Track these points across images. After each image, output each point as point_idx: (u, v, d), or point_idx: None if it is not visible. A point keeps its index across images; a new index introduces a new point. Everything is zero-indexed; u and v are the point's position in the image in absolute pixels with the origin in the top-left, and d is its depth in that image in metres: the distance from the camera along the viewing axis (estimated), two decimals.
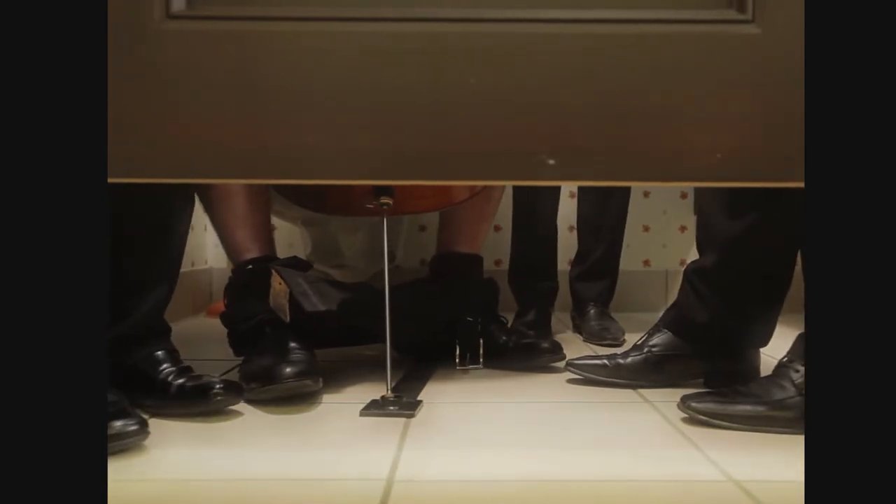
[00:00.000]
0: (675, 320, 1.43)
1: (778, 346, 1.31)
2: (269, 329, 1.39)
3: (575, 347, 1.81)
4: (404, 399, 1.28)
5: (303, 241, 2.29)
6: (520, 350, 1.62)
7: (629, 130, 0.51)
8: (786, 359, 1.19)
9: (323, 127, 0.51)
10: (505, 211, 2.00)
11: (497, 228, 2.40)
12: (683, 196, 2.66)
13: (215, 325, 1.62)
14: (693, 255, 1.48)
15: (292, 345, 1.33)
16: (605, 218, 2.10)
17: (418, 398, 1.31)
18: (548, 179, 0.51)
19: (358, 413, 1.23)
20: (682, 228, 2.67)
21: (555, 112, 0.51)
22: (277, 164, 0.51)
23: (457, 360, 1.60)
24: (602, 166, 0.52)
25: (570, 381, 1.48)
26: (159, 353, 1.23)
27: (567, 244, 2.28)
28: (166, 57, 0.50)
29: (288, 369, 1.26)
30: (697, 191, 1.50)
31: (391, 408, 1.23)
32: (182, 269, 1.36)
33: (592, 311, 2.03)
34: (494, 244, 2.35)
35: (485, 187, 1.62)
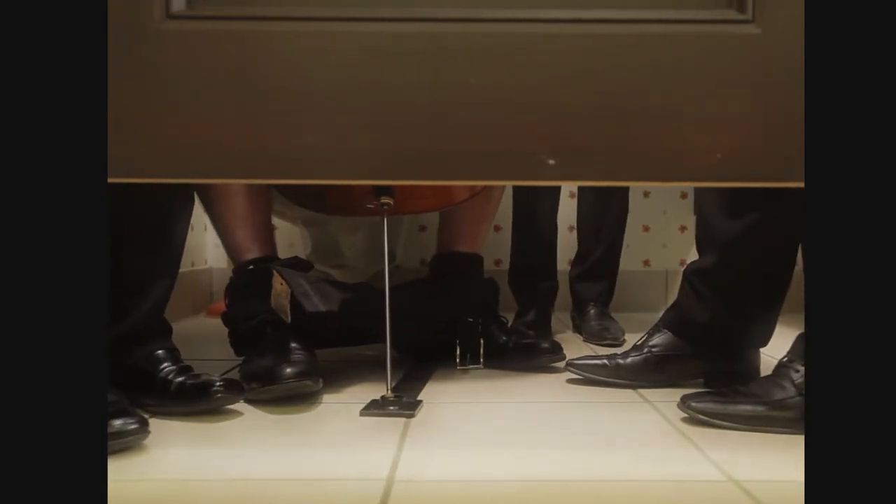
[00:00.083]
0: (675, 320, 1.43)
1: (778, 346, 1.31)
2: (270, 329, 1.40)
3: (575, 347, 1.81)
4: (404, 399, 1.28)
5: (303, 241, 2.29)
6: (520, 350, 1.62)
7: (629, 130, 0.51)
8: (786, 359, 1.19)
9: (323, 127, 0.51)
10: (505, 211, 2.00)
11: (497, 228, 2.40)
12: (683, 196, 2.66)
13: (215, 325, 1.62)
14: (693, 255, 1.48)
15: (293, 345, 1.34)
16: (605, 218, 2.10)
17: (418, 398, 1.31)
18: (548, 179, 0.51)
19: (358, 413, 1.23)
20: (682, 228, 2.67)
21: (555, 112, 0.51)
22: (277, 164, 0.51)
23: (457, 360, 1.60)
24: (602, 166, 0.52)
25: (570, 381, 1.48)
26: (160, 352, 1.23)
27: (567, 244, 2.28)
28: (166, 57, 0.50)
29: (288, 370, 1.26)
30: (697, 191, 1.50)
31: (391, 408, 1.23)
32: (182, 269, 1.36)
33: (592, 311, 2.03)
34: (494, 244, 2.35)
35: (485, 187, 1.62)
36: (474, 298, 1.65)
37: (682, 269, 1.48)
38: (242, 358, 1.42)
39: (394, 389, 1.33)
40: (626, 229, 2.16)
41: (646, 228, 2.68)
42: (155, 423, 1.10)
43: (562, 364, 1.55)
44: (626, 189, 2.13)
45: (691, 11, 0.50)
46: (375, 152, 0.51)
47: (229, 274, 1.54)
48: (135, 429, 1.01)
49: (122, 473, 0.94)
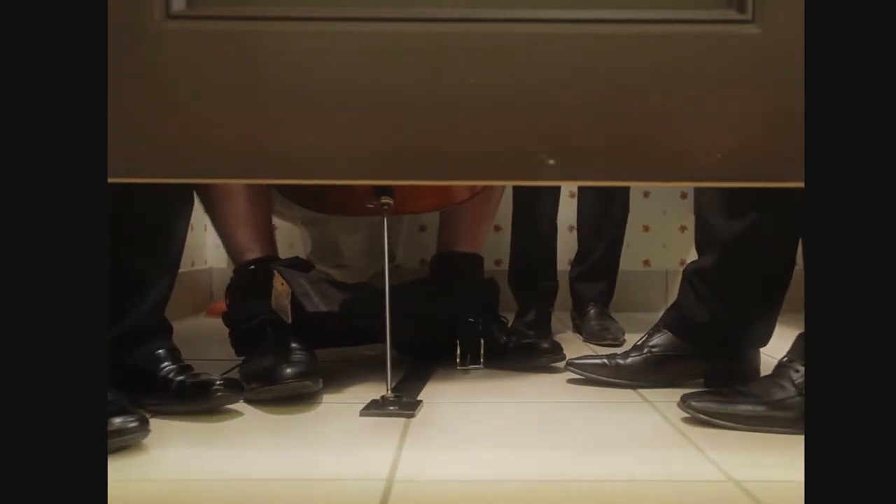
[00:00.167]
0: (675, 320, 1.43)
1: (778, 346, 1.31)
2: (270, 329, 1.40)
3: (575, 347, 1.81)
4: (404, 399, 1.28)
5: (303, 241, 2.29)
6: (520, 350, 1.62)
7: (629, 130, 0.51)
8: (786, 359, 1.19)
9: (323, 127, 0.51)
10: (505, 211, 2.00)
11: (497, 228, 2.40)
12: (683, 196, 2.66)
13: (215, 325, 1.62)
14: (693, 255, 1.48)
15: (293, 345, 1.34)
16: (605, 218, 2.10)
17: (418, 398, 1.31)
18: (548, 179, 0.51)
19: (358, 413, 1.23)
20: (682, 228, 2.67)
21: (555, 112, 0.51)
22: (277, 164, 0.51)
23: (457, 360, 1.60)
24: (602, 166, 0.52)
25: (570, 381, 1.48)
26: (160, 351, 1.23)
27: (567, 244, 2.28)
28: (166, 57, 0.50)
29: (289, 370, 1.26)
30: (697, 191, 1.50)
31: (391, 408, 1.23)
32: (182, 269, 1.36)
33: (592, 311, 2.03)
34: (494, 244, 2.35)
35: (485, 187, 1.62)
36: (474, 298, 1.65)
37: (682, 269, 1.48)
38: (242, 358, 1.42)
39: (394, 389, 1.33)
40: (627, 229, 2.16)
41: (646, 228, 2.68)
42: (155, 423, 1.10)
43: (562, 364, 1.55)
44: (627, 190, 2.13)
45: (691, 11, 0.50)
46: (375, 152, 0.51)
47: (229, 274, 1.54)
48: (135, 427, 1.01)
49: (122, 473, 0.94)
